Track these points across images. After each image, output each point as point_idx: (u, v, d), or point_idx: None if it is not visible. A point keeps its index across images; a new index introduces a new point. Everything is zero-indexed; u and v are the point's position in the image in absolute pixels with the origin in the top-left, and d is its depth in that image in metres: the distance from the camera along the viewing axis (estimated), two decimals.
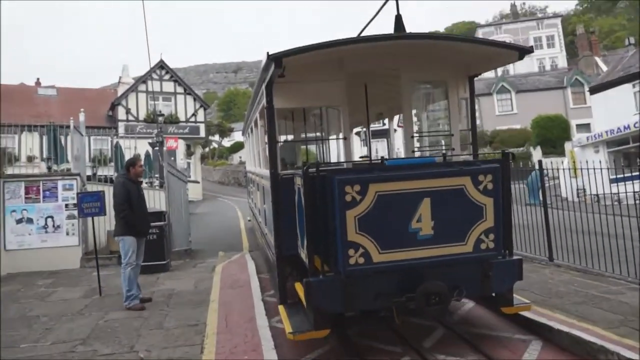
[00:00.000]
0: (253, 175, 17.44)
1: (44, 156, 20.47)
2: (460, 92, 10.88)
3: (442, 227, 7.87)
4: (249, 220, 25.69)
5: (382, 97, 12.92)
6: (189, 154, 54.62)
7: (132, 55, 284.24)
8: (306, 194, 8.06)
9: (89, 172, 21.22)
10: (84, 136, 20.20)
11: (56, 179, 17.95)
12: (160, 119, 40.36)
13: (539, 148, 52.12)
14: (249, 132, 18.09)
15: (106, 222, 16.82)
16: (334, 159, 15.46)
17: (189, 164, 52.05)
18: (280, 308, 9.45)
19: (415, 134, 11.23)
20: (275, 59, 8.54)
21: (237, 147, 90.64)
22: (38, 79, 63.52)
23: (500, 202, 8.18)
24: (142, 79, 52.20)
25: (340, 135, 11.17)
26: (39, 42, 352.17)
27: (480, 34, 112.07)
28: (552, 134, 54.78)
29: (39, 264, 17.02)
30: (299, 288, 8.81)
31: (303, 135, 17.71)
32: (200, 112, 54.96)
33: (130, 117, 50.71)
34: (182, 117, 53.37)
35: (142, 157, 26.62)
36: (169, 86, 53.46)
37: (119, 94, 52.50)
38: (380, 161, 8.99)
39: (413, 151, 10.81)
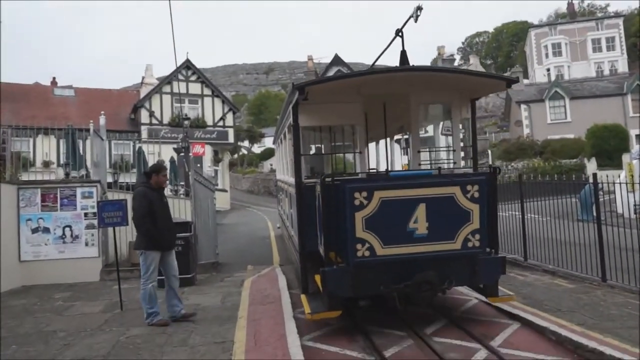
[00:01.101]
0: (282, 184, 20.24)
1: (62, 161, 20.52)
2: (463, 113, 13.10)
3: (435, 228, 9.96)
4: (279, 227, 28.76)
5: (400, 113, 14.56)
6: (217, 160, 54.87)
7: (156, 55, 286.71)
8: (323, 199, 10.30)
9: (109, 179, 21.44)
10: (104, 140, 20.40)
11: (75, 186, 17.97)
12: (186, 122, 40.72)
13: (593, 160, 51.63)
14: (279, 142, 21.02)
15: (128, 233, 16.88)
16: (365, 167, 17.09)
17: (216, 171, 52.25)
18: (302, 297, 11.49)
19: (421, 149, 13.79)
20: (300, 88, 11.01)
21: (268, 153, 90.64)
22: (54, 78, 63.68)
23: (485, 207, 10.26)
24: (167, 80, 52.70)
25: (357, 150, 13.66)
26: (55, 40, 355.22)
27: (532, 35, 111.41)
28: (609, 145, 53.43)
29: (56, 276, 17.11)
30: (317, 278, 10.73)
31: (332, 144, 19.44)
32: (229, 116, 55.35)
33: (154, 121, 51.22)
34: (209, 121, 53.81)
35: (167, 163, 26.91)
36: (195, 88, 53.91)
37: (142, 95, 53.00)
38: (385, 172, 12.05)
39: (419, 164, 13.37)
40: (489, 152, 18.79)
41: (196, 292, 15.02)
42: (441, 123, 14.96)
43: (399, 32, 13.11)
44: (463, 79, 12.75)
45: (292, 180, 13.16)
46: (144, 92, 53.48)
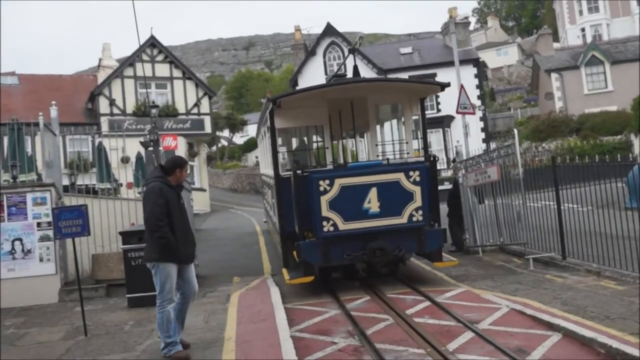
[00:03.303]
0: (265, 177, 25.75)
1: (8, 163, 20.25)
2: (414, 110, 18.39)
3: (385, 206, 14.91)
4: (265, 222, 33.51)
5: (366, 110, 19.00)
6: (192, 155, 54.58)
7: (115, 32, 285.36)
8: (296, 187, 15.54)
9: (65, 182, 21.31)
10: (57, 136, 20.32)
11: (24, 192, 17.75)
12: (154, 111, 40.39)
13: None
14: (260, 138, 27.95)
15: (90, 244, 16.82)
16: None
17: (192, 167, 52.03)
18: (284, 270, 16.83)
19: (378, 143, 19.10)
20: (273, 101, 16.62)
21: (252, 144, 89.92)
22: None
23: (426, 189, 15.10)
24: (129, 62, 52.38)
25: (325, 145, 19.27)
26: None
27: None
28: None
29: (6, 299, 16.87)
30: (295, 253, 15.90)
31: (314, 137, 24.63)
32: (204, 102, 55.09)
33: (115, 110, 50.82)
34: (181, 109, 53.47)
35: (133, 160, 26.90)
36: (163, 69, 53.58)
37: (100, 81, 52.45)
38: (344, 164, 19.37)
39: (377, 155, 18.50)
40: (515, 131, 18.49)
41: None
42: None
43: (352, 51, 19.62)
44: (406, 86, 19.48)
45: (272, 173, 18.32)
46: (101, 76, 52.99)
